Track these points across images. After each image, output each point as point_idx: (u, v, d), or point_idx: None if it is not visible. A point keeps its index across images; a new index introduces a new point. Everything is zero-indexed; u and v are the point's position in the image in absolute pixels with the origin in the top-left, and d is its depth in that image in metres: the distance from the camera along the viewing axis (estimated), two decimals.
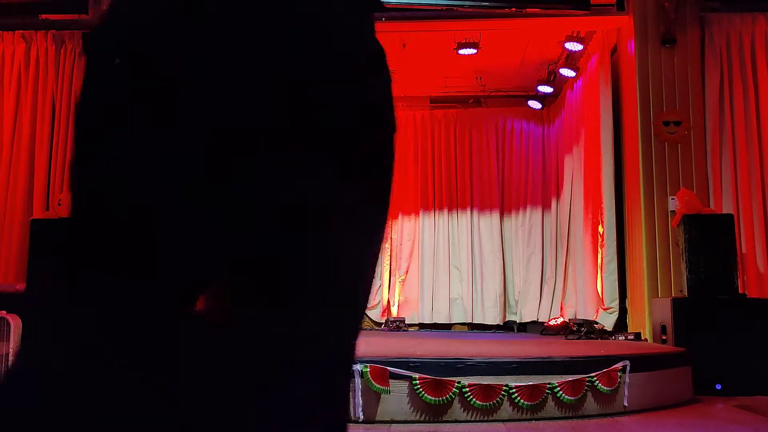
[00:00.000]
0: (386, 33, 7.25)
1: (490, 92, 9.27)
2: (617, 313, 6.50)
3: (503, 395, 3.44)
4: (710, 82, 6.07)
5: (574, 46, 7.30)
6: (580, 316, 7.17)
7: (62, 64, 6.49)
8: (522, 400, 3.45)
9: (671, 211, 5.78)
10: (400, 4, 6.42)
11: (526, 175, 9.38)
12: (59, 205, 5.69)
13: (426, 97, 9.67)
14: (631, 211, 6.26)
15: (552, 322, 7.78)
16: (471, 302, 9.14)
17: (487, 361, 3.53)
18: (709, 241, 5.15)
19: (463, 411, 3.41)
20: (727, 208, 5.83)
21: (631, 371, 3.77)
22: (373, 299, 9.29)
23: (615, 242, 6.58)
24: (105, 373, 0.56)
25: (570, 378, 3.56)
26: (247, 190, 0.59)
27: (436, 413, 3.40)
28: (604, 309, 6.63)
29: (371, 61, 0.71)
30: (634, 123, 6.09)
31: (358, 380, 3.36)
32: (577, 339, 6.24)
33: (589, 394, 3.62)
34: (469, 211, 9.36)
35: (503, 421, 3.42)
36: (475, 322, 9.11)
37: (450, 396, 3.40)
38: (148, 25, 0.59)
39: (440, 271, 9.28)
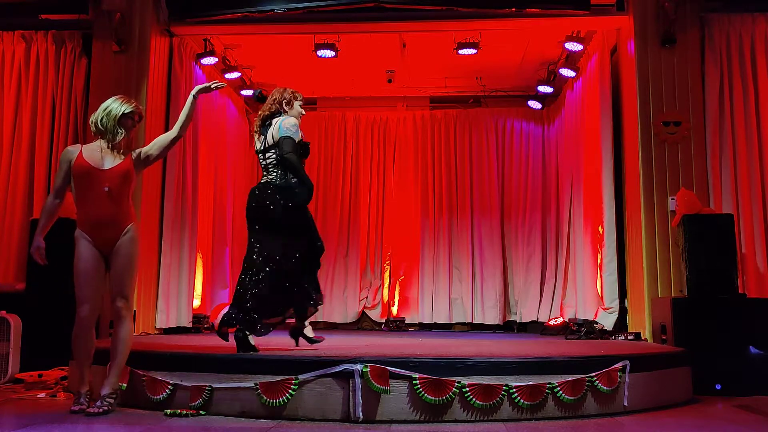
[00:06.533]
0: (386, 33, 7.27)
1: (490, 92, 9.27)
2: (617, 313, 6.50)
3: (503, 395, 3.44)
4: (710, 82, 6.07)
5: (574, 46, 7.30)
6: (580, 316, 7.17)
7: (62, 64, 6.48)
8: (522, 400, 3.45)
9: (671, 211, 5.78)
10: (400, 4, 6.42)
11: (526, 175, 9.38)
12: None
13: (426, 97, 9.68)
14: (631, 211, 6.26)
15: (552, 322, 7.79)
16: (471, 302, 9.14)
17: (487, 361, 3.53)
18: (709, 241, 5.15)
19: (463, 411, 3.41)
20: (727, 208, 5.83)
21: (631, 371, 3.77)
22: (374, 299, 9.30)
23: (615, 242, 6.58)
24: None
25: (570, 378, 3.56)
26: None
27: (436, 413, 3.40)
28: (604, 309, 6.62)
29: None
30: (634, 123, 6.09)
31: (358, 380, 3.36)
32: (577, 339, 6.24)
33: (589, 394, 3.62)
34: (469, 211, 9.36)
35: (503, 421, 3.42)
36: (475, 322, 9.11)
37: (450, 396, 3.40)
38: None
39: (440, 271, 9.28)
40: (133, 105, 3.75)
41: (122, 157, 3.67)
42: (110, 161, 3.64)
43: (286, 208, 4.07)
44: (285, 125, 4.14)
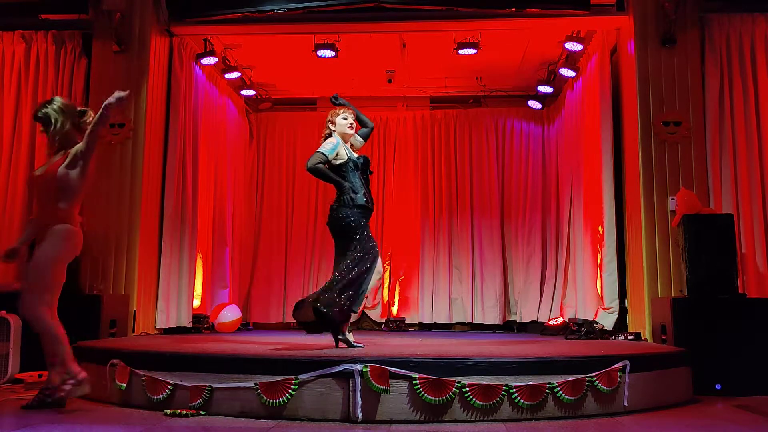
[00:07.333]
0: (386, 33, 7.27)
1: (490, 92, 9.27)
2: (617, 313, 6.50)
3: (503, 395, 3.44)
4: (710, 82, 6.07)
5: (574, 46, 7.30)
6: (580, 316, 7.17)
7: (62, 64, 6.48)
8: (522, 400, 3.45)
9: (671, 211, 5.78)
10: (400, 4, 6.42)
11: (526, 175, 9.38)
12: None
13: (426, 97, 9.67)
14: (631, 211, 6.26)
15: (552, 322, 7.78)
16: (471, 302, 9.13)
17: (487, 361, 3.53)
18: (709, 241, 5.15)
19: (463, 411, 3.41)
20: (727, 208, 5.83)
21: (631, 371, 3.78)
22: (373, 299, 9.29)
23: (615, 242, 6.58)
24: None
25: (570, 378, 3.56)
26: None
27: (436, 413, 3.40)
28: (604, 309, 6.62)
29: None
30: (634, 123, 6.09)
31: (358, 380, 3.37)
32: (577, 339, 6.24)
33: (589, 394, 3.62)
34: (469, 211, 9.36)
35: (503, 421, 3.42)
36: (475, 322, 9.11)
37: (450, 396, 3.40)
38: None
39: (440, 271, 9.28)
40: (38, 106, 3.87)
41: (56, 159, 3.78)
42: (45, 166, 3.81)
43: (338, 219, 4.64)
44: (324, 144, 4.64)
